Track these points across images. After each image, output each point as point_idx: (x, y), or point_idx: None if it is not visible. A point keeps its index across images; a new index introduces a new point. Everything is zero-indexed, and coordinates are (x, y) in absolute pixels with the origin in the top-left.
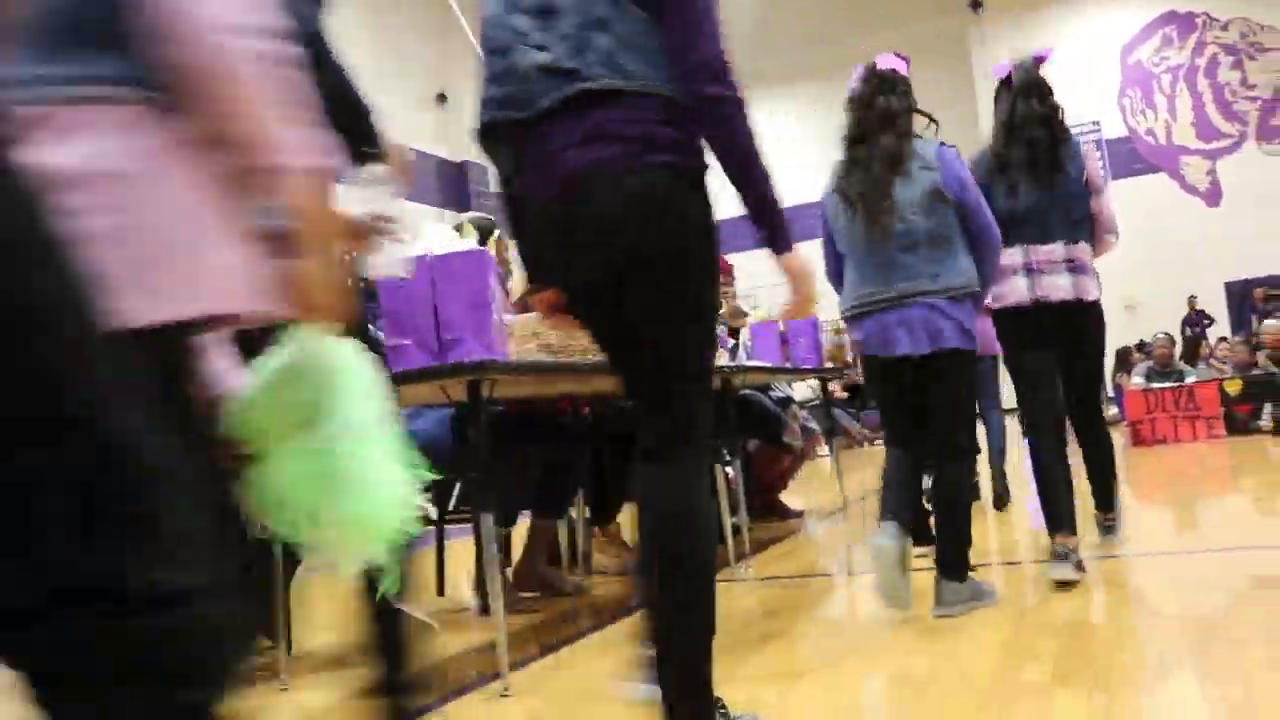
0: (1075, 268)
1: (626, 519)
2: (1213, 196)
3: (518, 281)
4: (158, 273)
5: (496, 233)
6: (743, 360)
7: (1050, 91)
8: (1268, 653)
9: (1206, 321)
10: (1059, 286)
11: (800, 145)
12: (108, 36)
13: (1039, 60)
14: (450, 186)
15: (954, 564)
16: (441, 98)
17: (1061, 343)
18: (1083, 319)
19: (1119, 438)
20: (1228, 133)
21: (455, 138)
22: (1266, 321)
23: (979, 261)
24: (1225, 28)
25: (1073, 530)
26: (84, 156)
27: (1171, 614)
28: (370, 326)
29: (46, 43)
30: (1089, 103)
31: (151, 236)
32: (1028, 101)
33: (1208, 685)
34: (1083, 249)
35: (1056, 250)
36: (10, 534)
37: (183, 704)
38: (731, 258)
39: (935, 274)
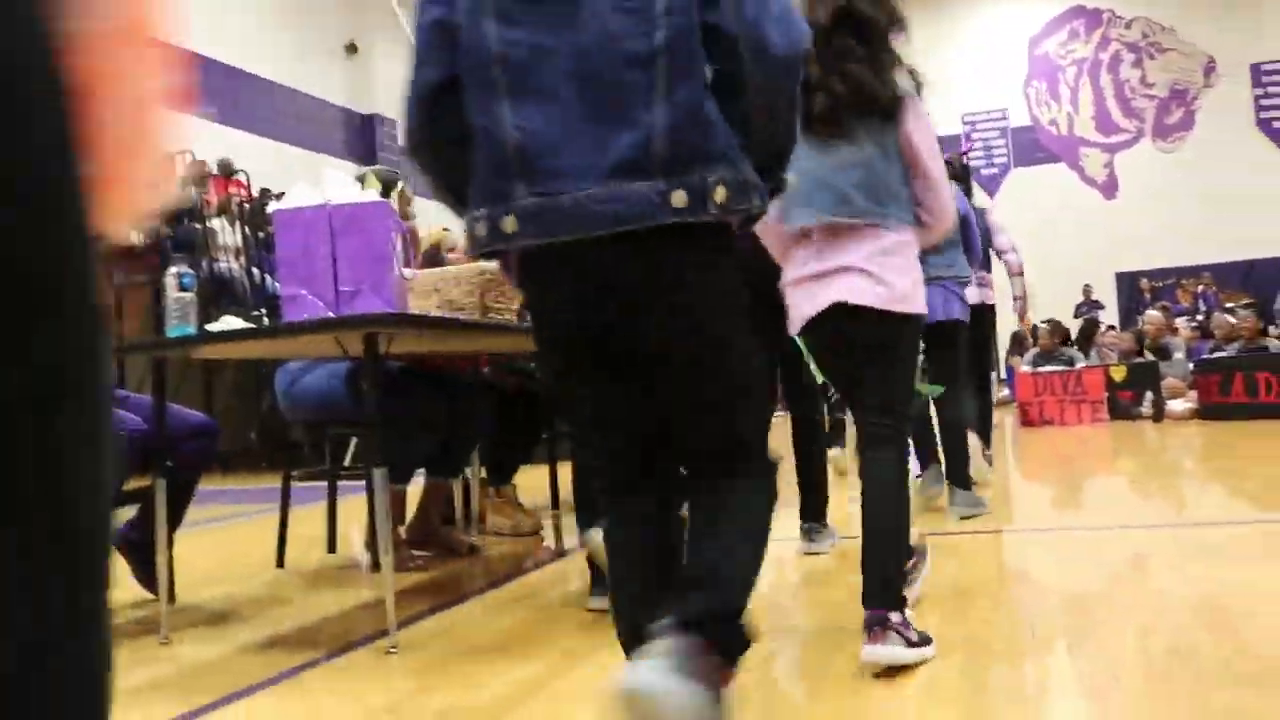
0: (982, 283)
1: (523, 481)
2: (1109, 189)
3: (426, 236)
4: (912, 292)
5: (400, 185)
6: None
7: (970, 177)
8: (1139, 627)
9: (1099, 309)
10: (971, 294)
11: None
12: (889, 195)
13: (964, 154)
14: (357, 138)
15: (961, 476)
16: (351, 48)
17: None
18: (983, 317)
19: (1009, 418)
20: (1126, 128)
21: (363, 89)
22: (1148, 312)
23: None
24: (1129, 26)
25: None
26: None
27: (1049, 588)
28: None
29: (865, 196)
30: (996, 90)
31: (906, 278)
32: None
33: (1080, 658)
34: (986, 275)
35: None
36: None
37: None
38: None
39: (949, 263)
